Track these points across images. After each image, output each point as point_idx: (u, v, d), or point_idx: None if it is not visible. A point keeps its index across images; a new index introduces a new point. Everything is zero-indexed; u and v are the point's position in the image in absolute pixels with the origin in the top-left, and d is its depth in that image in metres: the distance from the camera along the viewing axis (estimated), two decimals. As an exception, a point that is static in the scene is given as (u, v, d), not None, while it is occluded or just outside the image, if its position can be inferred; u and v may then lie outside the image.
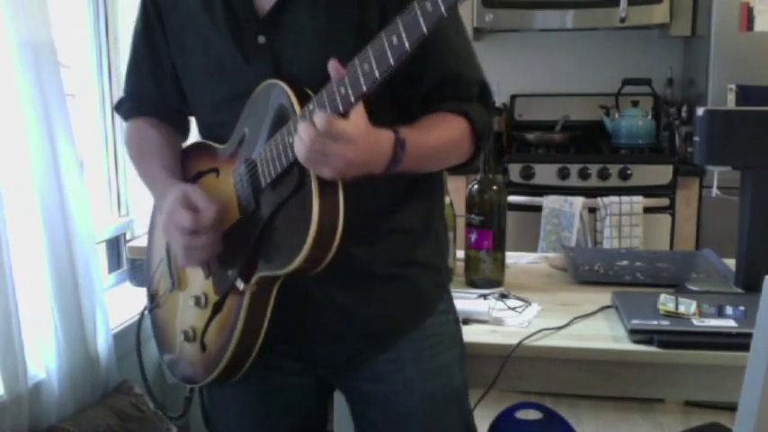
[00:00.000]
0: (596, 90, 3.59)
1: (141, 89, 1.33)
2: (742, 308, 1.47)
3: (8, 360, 1.47)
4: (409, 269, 1.23)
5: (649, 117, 3.40)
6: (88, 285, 1.70)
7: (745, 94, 3.00)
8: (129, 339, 1.99)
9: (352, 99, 0.94)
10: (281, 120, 1.06)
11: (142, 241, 2.07)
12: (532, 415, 1.87)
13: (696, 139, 1.74)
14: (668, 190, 3.12)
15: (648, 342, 1.42)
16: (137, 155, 1.33)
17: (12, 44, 1.51)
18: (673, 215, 3.14)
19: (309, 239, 1.01)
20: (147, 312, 1.38)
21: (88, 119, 2.22)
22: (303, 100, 1.03)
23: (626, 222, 3.03)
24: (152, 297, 1.37)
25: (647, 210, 3.07)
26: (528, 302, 1.63)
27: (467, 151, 1.20)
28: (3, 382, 1.48)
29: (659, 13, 3.24)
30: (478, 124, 1.18)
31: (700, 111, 1.71)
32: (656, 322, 1.45)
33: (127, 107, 1.36)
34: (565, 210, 3.06)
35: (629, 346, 1.43)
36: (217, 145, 1.23)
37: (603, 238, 3.04)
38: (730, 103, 3.02)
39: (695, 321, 1.45)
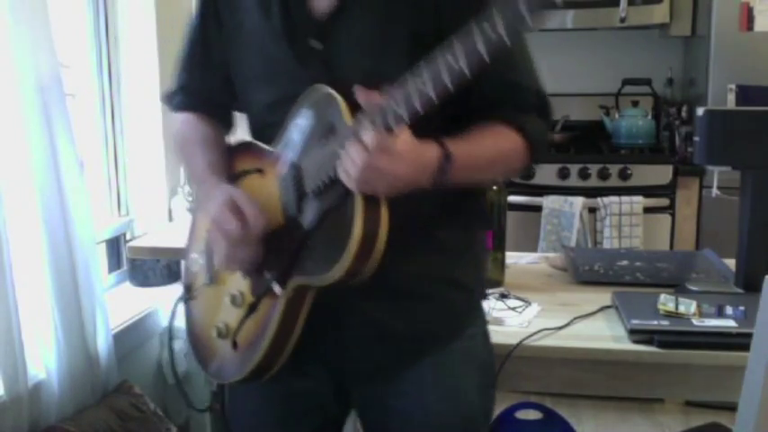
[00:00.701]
0: (596, 90, 3.60)
1: (191, 83, 1.34)
2: (742, 308, 1.47)
3: (8, 360, 1.47)
4: (443, 287, 1.21)
5: (649, 117, 3.40)
6: (88, 285, 1.70)
7: (745, 94, 3.00)
8: (129, 339, 2.00)
9: (405, 118, 0.94)
10: (331, 129, 1.06)
11: (142, 241, 2.07)
12: (532, 415, 1.87)
13: (696, 139, 1.74)
14: (668, 190, 3.12)
15: (648, 342, 1.42)
16: (182, 148, 1.34)
17: (12, 44, 1.51)
18: (673, 215, 3.14)
19: (349, 253, 1.01)
20: (182, 303, 1.38)
21: (88, 119, 2.22)
22: (354, 109, 1.02)
23: (626, 222, 3.03)
24: (187, 288, 1.37)
25: (647, 210, 3.07)
26: (528, 302, 1.63)
27: (519, 163, 1.18)
28: (3, 382, 1.48)
29: (659, 13, 3.24)
30: (533, 136, 1.15)
31: (700, 111, 1.71)
32: (656, 322, 1.45)
33: (176, 100, 1.37)
34: (565, 210, 3.06)
35: (629, 346, 1.43)
36: (264, 145, 1.23)
37: (603, 238, 3.04)
38: (730, 103, 3.02)
39: (695, 321, 1.45)
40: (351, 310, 1.17)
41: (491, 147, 1.13)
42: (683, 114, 3.39)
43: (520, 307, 1.61)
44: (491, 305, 1.60)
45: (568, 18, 3.30)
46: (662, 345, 1.41)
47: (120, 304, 2.08)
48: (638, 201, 3.04)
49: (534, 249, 3.02)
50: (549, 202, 3.09)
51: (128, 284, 2.27)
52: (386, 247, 1.03)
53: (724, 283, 1.74)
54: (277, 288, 1.13)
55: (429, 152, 1.02)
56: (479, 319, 1.29)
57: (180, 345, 2.20)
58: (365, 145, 0.96)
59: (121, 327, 1.96)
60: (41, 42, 1.58)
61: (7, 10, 1.49)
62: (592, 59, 3.68)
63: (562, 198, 3.07)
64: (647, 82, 3.41)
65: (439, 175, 1.03)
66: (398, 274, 1.15)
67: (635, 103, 3.42)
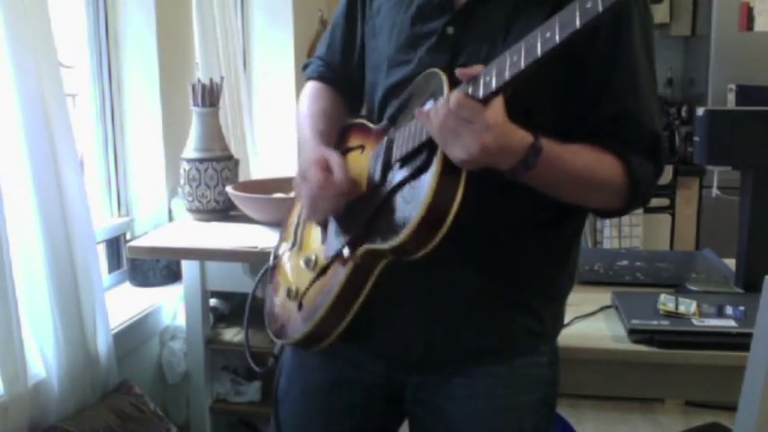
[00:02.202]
0: (596, 90, 3.59)
1: (330, 57, 1.38)
2: (742, 308, 1.47)
3: (8, 360, 1.47)
4: (505, 308, 1.18)
5: (649, 117, 3.40)
6: (88, 285, 1.70)
7: (745, 94, 3.01)
8: (129, 339, 2.00)
9: (494, 87, 0.94)
10: (429, 101, 1.08)
11: (142, 241, 2.07)
12: (532, 415, 1.86)
13: (696, 139, 1.74)
14: (668, 190, 3.12)
15: (648, 342, 1.42)
16: (302, 116, 1.36)
17: (11, 44, 1.51)
18: (673, 215, 3.15)
19: (416, 219, 1.00)
20: (269, 269, 1.39)
21: (88, 119, 2.22)
22: (454, 87, 1.03)
23: (626, 222, 3.03)
24: (276, 256, 1.40)
25: (647, 210, 3.07)
26: (528, 302, 1.63)
27: (613, 198, 1.12)
28: (3, 382, 1.48)
29: (659, 13, 3.24)
30: (637, 177, 1.09)
31: (700, 111, 1.71)
32: (656, 322, 1.45)
33: (313, 68, 1.40)
34: (565, 210, 3.06)
35: (629, 346, 1.43)
36: (370, 125, 1.26)
37: (603, 238, 3.05)
38: (730, 103, 3.02)
39: (695, 321, 1.45)
40: (412, 307, 1.17)
41: (587, 165, 1.08)
42: (683, 114, 3.40)
43: (520, 307, 1.60)
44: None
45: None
46: (662, 345, 1.41)
47: (120, 304, 2.08)
48: (638, 201, 3.03)
49: (534, 249, 3.02)
50: (549, 202, 3.09)
51: (128, 284, 2.27)
52: (458, 253, 1.02)
53: (724, 283, 1.74)
54: (347, 251, 1.14)
55: (519, 135, 0.99)
56: (547, 346, 1.24)
57: (179, 344, 2.20)
58: (450, 103, 0.97)
59: (121, 327, 1.96)
60: (41, 42, 1.58)
61: (7, 9, 1.49)
62: (592, 59, 3.67)
63: (562, 198, 3.07)
64: (647, 82, 3.41)
65: (521, 164, 1.00)
66: (463, 282, 1.14)
67: (635, 103, 3.41)
